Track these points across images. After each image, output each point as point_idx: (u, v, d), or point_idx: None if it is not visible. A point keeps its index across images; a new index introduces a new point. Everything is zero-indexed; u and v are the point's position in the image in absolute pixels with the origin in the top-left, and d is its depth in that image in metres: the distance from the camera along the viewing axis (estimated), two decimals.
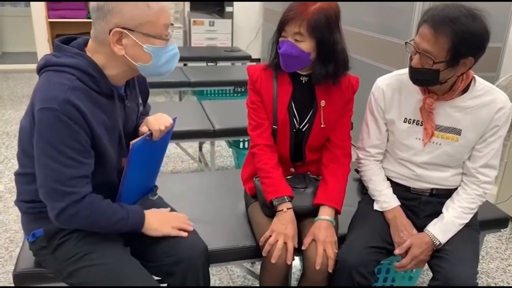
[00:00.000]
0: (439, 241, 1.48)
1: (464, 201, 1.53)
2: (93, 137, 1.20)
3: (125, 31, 1.17)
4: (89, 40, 1.26)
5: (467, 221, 1.52)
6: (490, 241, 2.57)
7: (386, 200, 1.59)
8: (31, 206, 1.31)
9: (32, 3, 5.40)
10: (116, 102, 1.27)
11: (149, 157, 1.41)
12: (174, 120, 1.44)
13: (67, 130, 1.13)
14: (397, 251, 1.52)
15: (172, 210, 1.51)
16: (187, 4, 5.80)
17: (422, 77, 1.42)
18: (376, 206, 1.61)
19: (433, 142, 1.53)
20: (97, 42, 1.22)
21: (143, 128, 1.37)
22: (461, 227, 1.52)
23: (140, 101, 1.44)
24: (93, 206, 1.23)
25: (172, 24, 1.31)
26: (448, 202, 1.56)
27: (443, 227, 1.50)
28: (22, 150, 1.27)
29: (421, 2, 2.95)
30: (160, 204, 1.53)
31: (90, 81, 1.19)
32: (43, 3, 5.30)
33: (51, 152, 1.14)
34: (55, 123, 1.12)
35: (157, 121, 1.38)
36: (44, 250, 1.32)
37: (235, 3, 5.84)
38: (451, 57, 1.34)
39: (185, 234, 1.39)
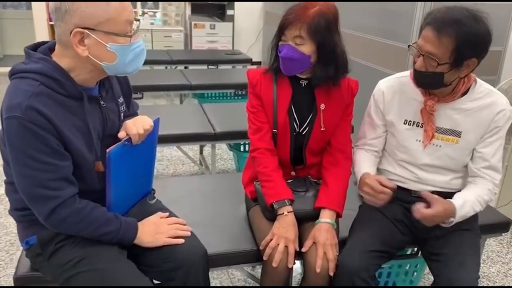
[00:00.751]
0: (454, 216, 1.41)
1: (479, 189, 1.49)
2: (63, 141, 1.18)
3: (86, 31, 1.13)
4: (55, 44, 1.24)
5: (478, 210, 1.48)
6: (491, 245, 2.57)
7: (360, 170, 1.54)
8: (22, 214, 1.30)
9: (33, 6, 5.41)
10: (85, 103, 1.23)
11: (134, 162, 1.37)
12: (156, 121, 1.39)
13: (34, 136, 1.12)
14: (424, 193, 1.45)
15: (171, 214, 1.50)
16: (188, 7, 5.81)
17: (427, 80, 1.42)
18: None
19: (433, 144, 1.53)
20: (61, 44, 1.19)
21: (121, 134, 1.32)
22: (471, 213, 1.46)
23: (122, 100, 1.40)
24: (84, 213, 1.22)
25: (137, 20, 1.29)
26: (461, 192, 1.50)
27: (461, 203, 1.43)
28: (4, 160, 1.26)
29: (422, 6, 2.95)
30: (159, 208, 1.52)
31: (56, 85, 1.17)
32: (44, 7, 5.32)
33: (23, 160, 1.13)
34: (21, 130, 1.11)
35: (135, 125, 1.32)
36: (39, 257, 1.32)
37: (236, 6, 5.85)
38: (455, 59, 1.35)
39: (181, 241, 1.38)
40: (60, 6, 1.12)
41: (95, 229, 1.26)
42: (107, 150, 1.23)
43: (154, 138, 1.43)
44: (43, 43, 1.26)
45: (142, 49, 1.26)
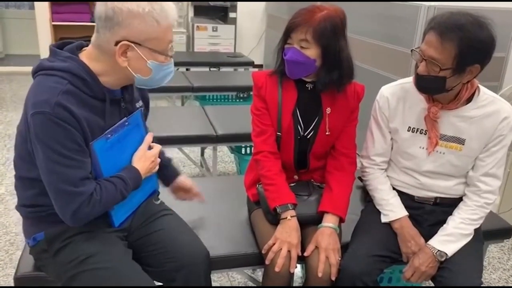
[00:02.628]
0: (438, 250, 1.47)
1: (464, 212, 1.52)
2: (85, 139, 1.19)
3: (132, 44, 1.17)
4: (85, 45, 1.25)
5: (469, 231, 1.51)
6: (493, 251, 2.56)
7: (393, 210, 1.58)
8: (31, 210, 1.30)
9: (36, 6, 5.42)
10: (107, 105, 1.25)
11: (125, 158, 1.34)
12: (136, 114, 1.38)
13: (63, 131, 1.13)
14: (405, 260, 1.52)
15: (174, 213, 1.52)
16: (191, 9, 5.82)
17: (428, 85, 1.41)
18: (383, 218, 1.59)
19: (437, 151, 1.53)
20: (100, 50, 1.21)
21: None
22: (465, 238, 1.50)
23: (141, 103, 1.43)
24: (102, 198, 1.21)
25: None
26: (445, 225, 1.55)
27: (442, 238, 1.50)
28: (18, 154, 1.26)
29: (425, 10, 2.95)
30: (164, 208, 1.53)
31: (82, 85, 1.18)
32: (47, 7, 5.33)
33: (52, 156, 1.14)
34: (49, 126, 1.12)
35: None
36: (45, 254, 1.32)
37: (238, 9, 5.86)
38: (458, 64, 1.34)
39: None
40: (113, 16, 1.14)
41: (113, 203, 1.27)
42: (90, 143, 1.21)
43: (140, 129, 1.40)
44: (69, 42, 1.27)
45: (171, 71, 1.30)
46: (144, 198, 1.46)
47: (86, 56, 1.23)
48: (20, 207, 1.33)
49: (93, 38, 1.22)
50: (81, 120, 1.16)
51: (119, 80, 1.27)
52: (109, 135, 1.26)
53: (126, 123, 1.33)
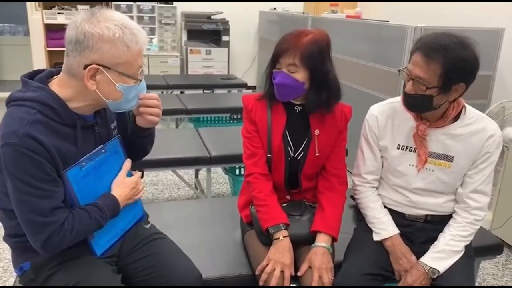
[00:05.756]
0: (430, 267, 1.48)
1: (454, 229, 1.55)
2: (56, 167, 1.18)
3: (101, 68, 1.17)
4: (55, 72, 1.26)
5: (460, 248, 1.53)
6: (487, 267, 2.56)
7: (385, 228, 1.59)
8: (16, 240, 1.30)
9: (31, 32, 5.47)
10: (78, 132, 1.25)
11: (103, 186, 1.32)
12: (113, 142, 1.38)
13: (31, 162, 1.13)
14: (398, 278, 1.53)
15: (166, 237, 1.52)
16: (184, 33, 5.90)
17: (416, 103, 1.46)
18: (375, 237, 1.60)
19: (426, 169, 1.56)
20: (70, 75, 1.21)
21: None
22: (456, 254, 1.52)
23: (115, 125, 1.42)
24: (74, 227, 1.20)
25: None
26: (436, 242, 1.57)
27: (434, 255, 1.51)
28: None
29: (412, 32, 3.03)
30: (154, 232, 1.52)
31: (52, 113, 1.18)
32: (42, 33, 5.38)
33: (21, 186, 1.14)
34: (17, 157, 1.12)
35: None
36: (33, 283, 1.31)
37: (231, 32, 5.95)
38: (443, 83, 1.38)
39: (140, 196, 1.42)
40: (83, 40, 1.15)
41: (88, 232, 1.26)
42: (63, 172, 1.20)
43: (119, 156, 1.39)
44: (40, 71, 1.28)
45: (143, 88, 1.31)
46: (129, 225, 1.44)
47: (56, 83, 1.24)
48: (6, 237, 1.33)
49: (63, 64, 1.22)
50: (51, 149, 1.16)
51: (90, 106, 1.26)
52: (83, 163, 1.25)
53: (103, 150, 1.32)
